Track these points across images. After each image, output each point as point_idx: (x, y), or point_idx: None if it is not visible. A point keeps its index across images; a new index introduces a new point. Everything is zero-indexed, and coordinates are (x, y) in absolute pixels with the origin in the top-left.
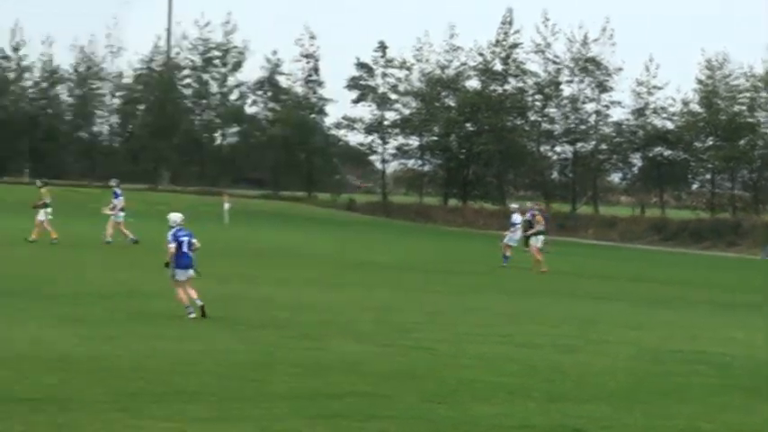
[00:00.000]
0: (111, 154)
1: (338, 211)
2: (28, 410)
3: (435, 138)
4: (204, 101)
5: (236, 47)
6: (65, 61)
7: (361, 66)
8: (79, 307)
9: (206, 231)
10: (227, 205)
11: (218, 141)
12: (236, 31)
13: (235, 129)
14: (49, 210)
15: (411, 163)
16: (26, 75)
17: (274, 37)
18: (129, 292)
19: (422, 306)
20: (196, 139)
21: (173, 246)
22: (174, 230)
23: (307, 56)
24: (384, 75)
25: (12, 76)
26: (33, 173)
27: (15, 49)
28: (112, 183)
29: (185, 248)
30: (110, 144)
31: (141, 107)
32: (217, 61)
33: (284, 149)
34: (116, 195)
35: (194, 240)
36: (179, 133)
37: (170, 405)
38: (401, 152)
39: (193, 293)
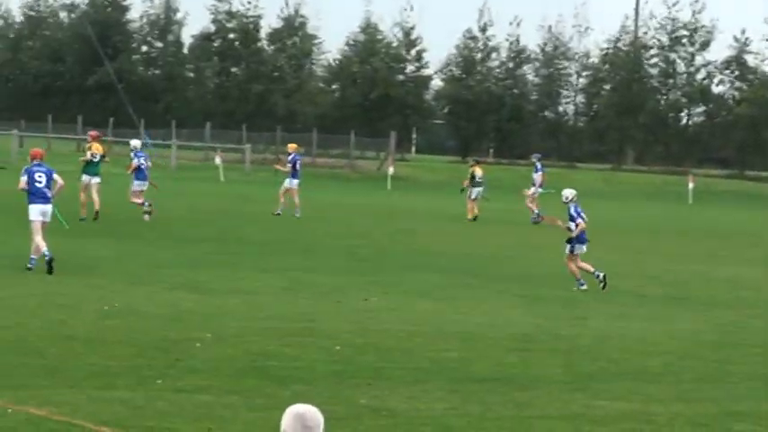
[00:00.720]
0: (576, 134)
1: None
2: (485, 389)
3: None
4: (671, 80)
5: (704, 26)
6: (532, 41)
7: None
8: (539, 287)
9: (669, 211)
10: (691, 185)
11: (684, 121)
12: (704, 9)
13: (701, 108)
14: (477, 189)
15: None
16: (493, 55)
17: (743, 16)
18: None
19: None
20: (662, 118)
21: (580, 221)
22: (573, 206)
23: None
24: None
25: (479, 56)
26: (497, 153)
27: (483, 30)
28: (534, 158)
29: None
30: (574, 124)
31: (607, 87)
32: (684, 41)
33: (751, 129)
34: (537, 170)
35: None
36: (644, 113)
37: (629, 385)
38: None
39: (589, 267)
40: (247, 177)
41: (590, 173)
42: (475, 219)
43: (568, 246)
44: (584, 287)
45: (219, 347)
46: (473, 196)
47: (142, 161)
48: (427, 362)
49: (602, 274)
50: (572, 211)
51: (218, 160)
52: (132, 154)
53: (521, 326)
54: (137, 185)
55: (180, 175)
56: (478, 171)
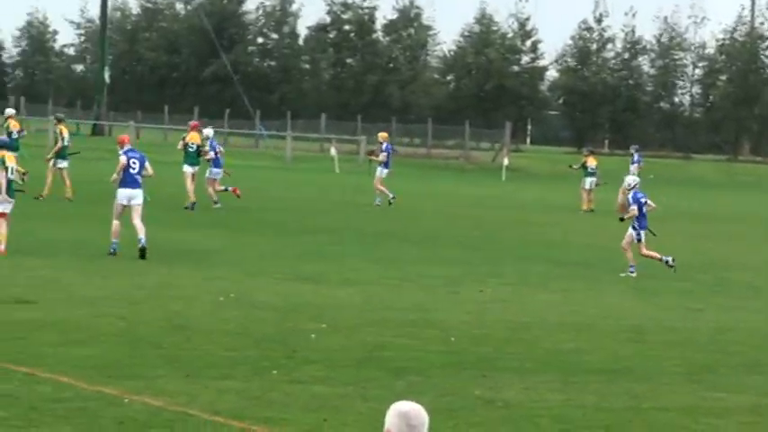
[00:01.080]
0: (692, 124)
1: None
2: (602, 381)
3: None
4: None
5: None
6: (647, 32)
7: None
8: (653, 279)
9: None
10: None
11: None
12: None
13: None
14: (591, 179)
15: None
16: (608, 46)
17: None
18: (710, 263)
19: None
20: None
21: (634, 208)
22: (634, 192)
23: None
24: None
25: (594, 47)
26: (612, 144)
27: (598, 21)
28: (632, 149)
29: (644, 210)
30: (690, 115)
31: (723, 78)
32: None
33: None
34: (633, 161)
35: (648, 200)
36: (761, 104)
37: (745, 378)
38: None
39: (631, 255)
40: (362, 168)
41: (706, 164)
42: (591, 210)
43: (634, 233)
44: (634, 274)
45: (334, 338)
46: (586, 186)
47: (218, 148)
48: (542, 353)
49: (633, 273)
50: (630, 196)
51: (333, 151)
52: (208, 143)
53: (635, 317)
54: (214, 173)
55: (295, 166)
56: (592, 162)
